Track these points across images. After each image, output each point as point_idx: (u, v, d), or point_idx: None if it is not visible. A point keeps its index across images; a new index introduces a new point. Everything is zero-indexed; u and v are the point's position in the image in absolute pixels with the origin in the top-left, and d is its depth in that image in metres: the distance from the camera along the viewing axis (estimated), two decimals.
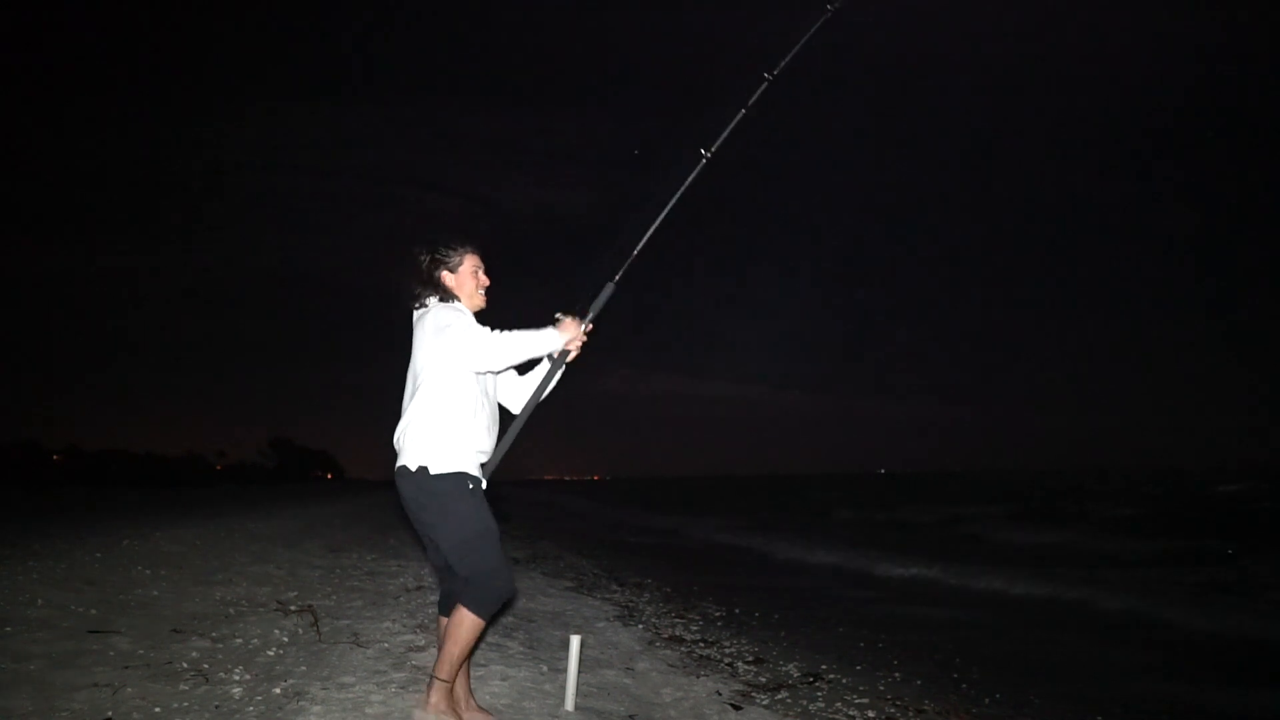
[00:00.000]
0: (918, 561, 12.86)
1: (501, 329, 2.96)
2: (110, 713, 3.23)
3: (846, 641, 6.66)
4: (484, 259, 3.10)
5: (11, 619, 4.49)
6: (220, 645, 4.34)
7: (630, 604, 7.51)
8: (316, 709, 3.26)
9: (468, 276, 3.04)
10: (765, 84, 3.37)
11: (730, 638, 6.25)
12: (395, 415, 3.04)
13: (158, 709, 3.30)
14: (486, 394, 3.03)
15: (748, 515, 28.55)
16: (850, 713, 4.44)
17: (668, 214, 3.22)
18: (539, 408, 3.16)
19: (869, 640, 6.70)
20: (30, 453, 34.89)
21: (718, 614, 7.51)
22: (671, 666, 4.88)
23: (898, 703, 4.72)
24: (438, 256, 3.01)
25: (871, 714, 4.45)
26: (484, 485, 2.98)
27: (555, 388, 3.19)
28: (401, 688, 3.58)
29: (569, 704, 3.57)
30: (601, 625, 6.01)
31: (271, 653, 4.24)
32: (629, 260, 3.19)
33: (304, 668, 3.91)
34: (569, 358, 3.14)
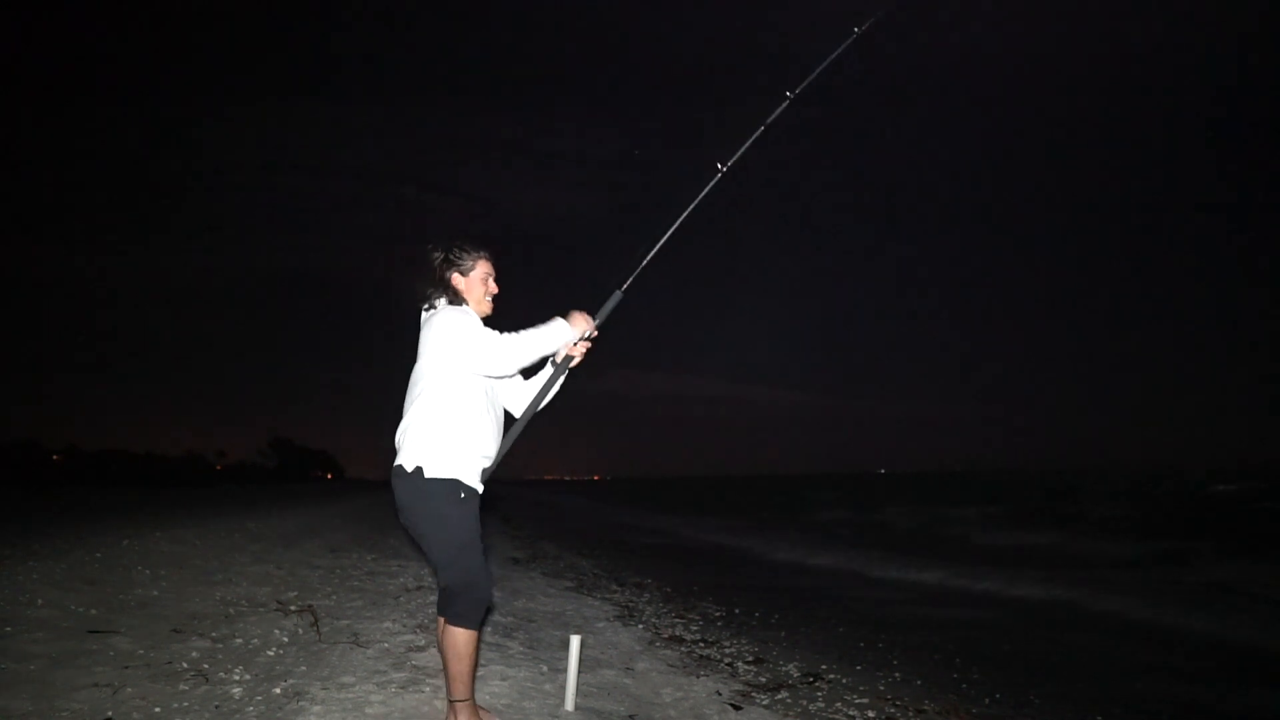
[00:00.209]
0: (917, 563, 12.87)
1: (505, 332, 2.95)
2: (110, 713, 3.24)
3: (846, 641, 6.66)
4: (496, 267, 3.11)
5: (11, 619, 4.49)
6: (220, 645, 4.34)
7: (630, 604, 7.50)
8: (316, 709, 3.26)
9: (478, 282, 3.04)
10: (786, 102, 3.38)
11: (730, 638, 6.25)
12: (396, 415, 3.03)
13: (158, 709, 3.30)
14: (490, 398, 3.02)
15: (748, 515, 28.56)
16: (850, 713, 4.44)
17: (680, 226, 3.22)
18: (539, 412, 3.16)
19: (869, 640, 6.70)
20: (30, 453, 34.90)
21: (718, 614, 7.51)
22: (671, 666, 4.88)
23: (898, 703, 4.72)
24: (451, 257, 3.01)
25: (871, 714, 4.45)
26: (480, 491, 2.97)
27: (557, 393, 3.19)
28: (401, 688, 3.58)
29: (569, 704, 3.58)
30: (601, 625, 6.00)
31: (271, 653, 4.24)
32: (638, 269, 3.19)
33: (304, 668, 3.91)
34: (572, 364, 3.14)
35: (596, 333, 3.13)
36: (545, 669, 4.23)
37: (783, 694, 4.64)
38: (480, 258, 3.04)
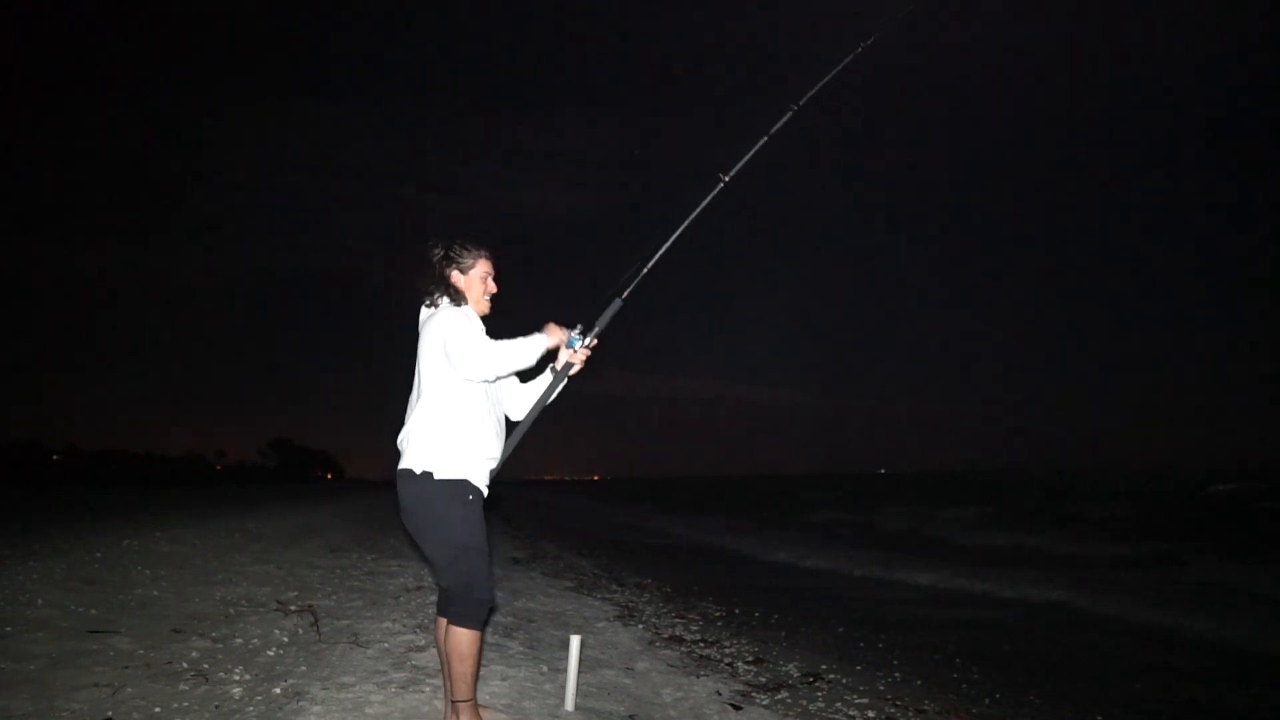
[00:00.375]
0: (916, 563, 12.87)
1: (497, 336, 2.97)
2: (110, 713, 3.24)
3: (846, 641, 6.66)
4: (496, 267, 3.11)
5: (11, 619, 4.50)
6: (220, 645, 4.34)
7: (630, 604, 7.50)
8: (316, 709, 3.26)
9: (477, 280, 3.04)
10: (790, 114, 3.38)
11: (730, 638, 6.25)
12: (396, 415, 3.04)
13: (158, 709, 3.30)
14: (491, 400, 3.03)
15: (748, 516, 28.55)
16: (850, 713, 4.44)
17: (680, 235, 3.23)
18: (540, 415, 3.18)
19: (869, 640, 6.70)
20: (30, 453, 34.92)
21: (718, 614, 7.51)
22: (671, 666, 4.88)
23: (898, 703, 4.72)
24: (451, 254, 3.01)
25: (871, 714, 4.45)
26: (485, 493, 2.98)
27: (556, 397, 3.22)
28: (401, 688, 3.59)
29: (569, 704, 3.58)
30: (601, 625, 6.00)
31: (271, 653, 4.24)
32: (638, 278, 3.20)
33: (304, 668, 3.91)
34: (573, 371, 3.16)
35: (596, 341, 3.15)
36: (545, 669, 4.23)
37: (783, 694, 4.64)
38: (481, 256, 3.05)
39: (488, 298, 3.08)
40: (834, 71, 3.43)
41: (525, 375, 3.13)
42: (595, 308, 3.18)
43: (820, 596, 9.69)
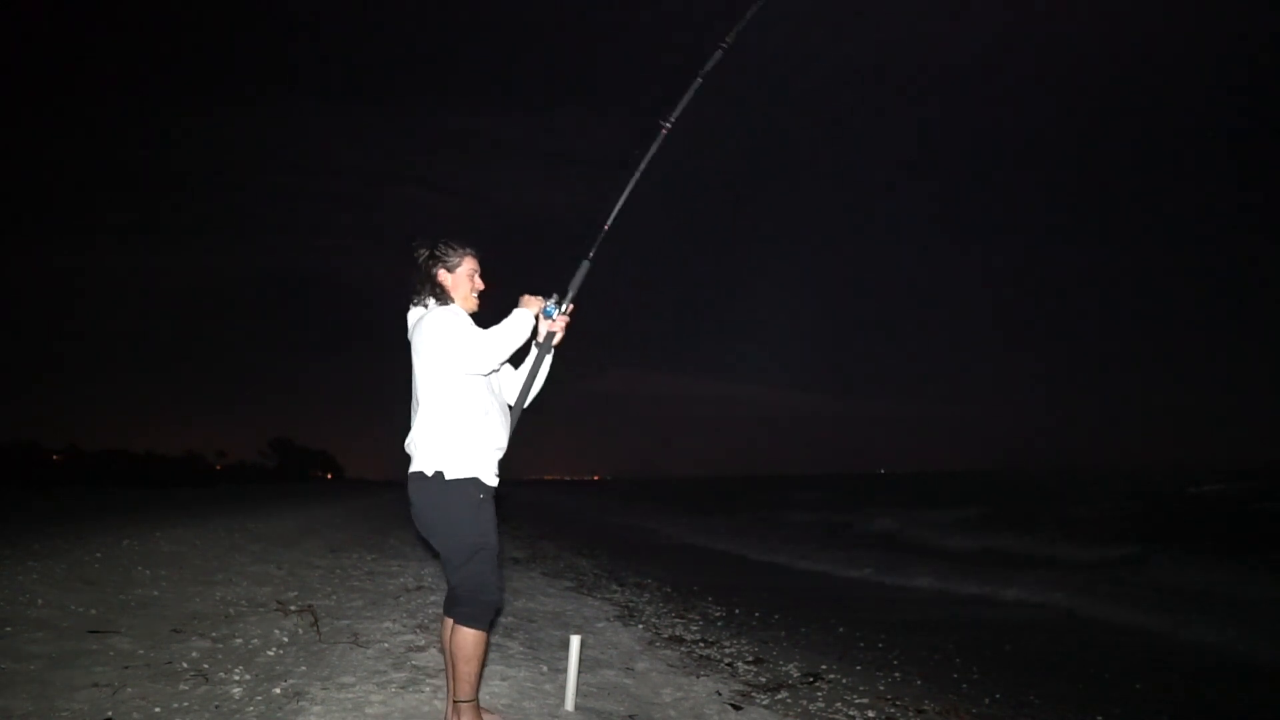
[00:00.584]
0: (916, 564, 12.86)
1: (483, 328, 2.99)
2: (110, 713, 3.24)
3: (846, 641, 6.66)
4: (482, 264, 3.12)
5: (11, 619, 4.49)
6: (220, 645, 4.34)
7: (630, 604, 7.50)
8: (316, 709, 3.26)
9: (464, 278, 3.06)
10: (720, 53, 3.38)
11: (730, 638, 6.25)
12: (395, 414, 3.05)
13: (158, 709, 3.30)
14: (493, 390, 3.06)
15: (747, 515, 28.55)
16: (850, 713, 4.44)
17: (634, 188, 3.25)
18: (539, 404, 3.20)
19: (869, 640, 6.70)
20: (30, 453, 34.90)
21: (718, 614, 7.51)
22: (671, 666, 4.87)
23: (898, 703, 4.72)
24: (436, 254, 3.03)
25: (871, 714, 4.45)
26: (496, 485, 2.99)
27: (552, 385, 3.25)
28: (401, 688, 3.58)
29: (569, 704, 3.58)
30: (601, 625, 6.00)
31: (271, 653, 4.24)
32: (600, 236, 3.23)
33: (304, 668, 3.91)
34: (555, 340, 3.18)
35: (573, 306, 3.18)
36: (545, 669, 4.23)
37: (783, 694, 4.64)
38: (466, 254, 3.06)
39: (476, 295, 3.10)
40: (757, 6, 3.42)
41: (516, 359, 3.15)
42: (566, 277, 3.20)
43: (820, 596, 9.70)
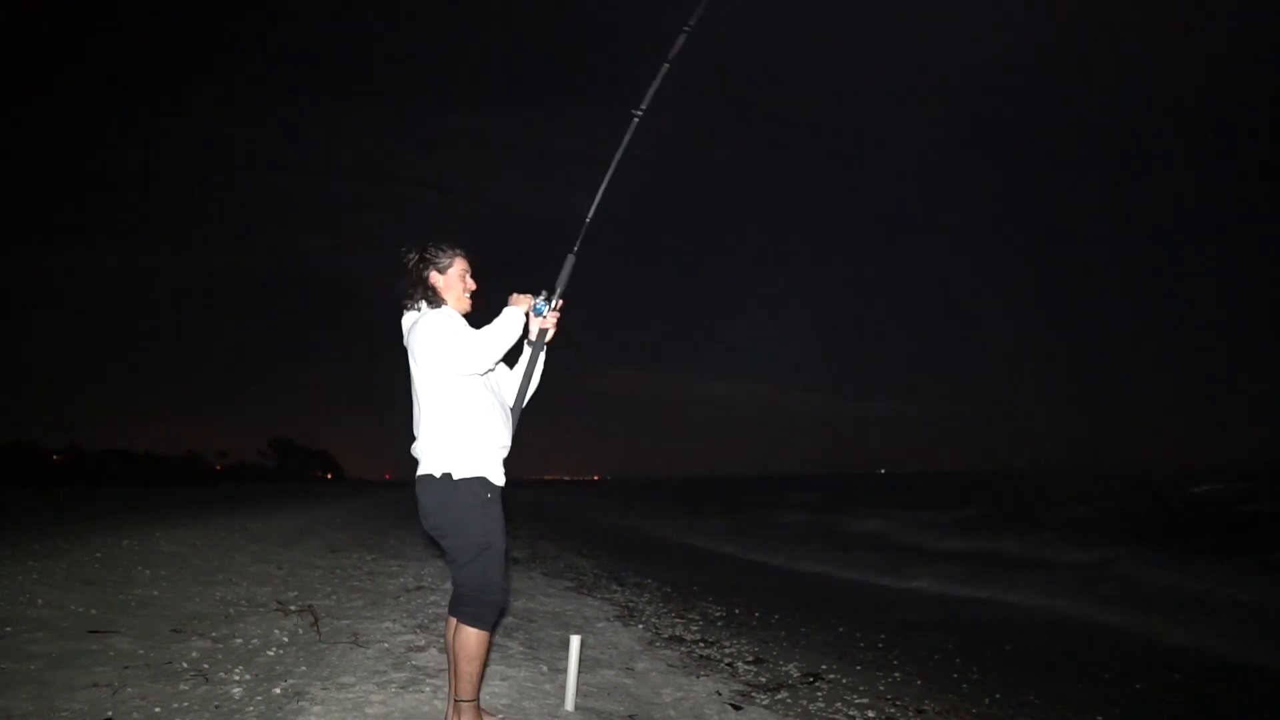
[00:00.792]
0: (916, 564, 12.85)
1: (475, 327, 3.01)
2: (110, 713, 3.24)
3: (846, 641, 6.66)
4: (472, 264, 3.13)
5: (11, 619, 4.49)
6: (220, 645, 4.34)
7: (630, 604, 7.50)
8: (316, 709, 3.26)
9: (456, 279, 3.07)
10: (684, 36, 3.37)
11: (730, 638, 6.25)
12: (395, 415, 3.06)
13: (158, 709, 3.30)
14: (492, 389, 3.07)
15: (747, 516, 28.54)
16: (850, 713, 4.44)
17: (612, 177, 3.26)
18: (537, 404, 3.21)
19: (869, 640, 6.70)
20: (30, 453, 34.89)
21: (718, 614, 7.51)
22: (671, 666, 4.87)
23: (898, 703, 4.72)
24: (427, 257, 3.04)
25: (871, 714, 4.45)
26: (503, 484, 3.01)
27: (553, 385, 3.26)
28: (401, 688, 3.59)
29: (569, 704, 3.58)
30: (601, 625, 6.00)
31: (271, 653, 4.24)
32: (584, 229, 3.24)
33: (304, 668, 3.91)
34: (548, 337, 3.19)
35: (562, 301, 3.18)
36: (545, 669, 4.23)
37: (783, 694, 4.64)
38: (457, 255, 3.07)
39: (468, 295, 3.10)
40: None
41: (510, 358, 3.16)
42: (552, 274, 3.21)
43: (820, 597, 9.70)
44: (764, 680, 4.92)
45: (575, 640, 3.66)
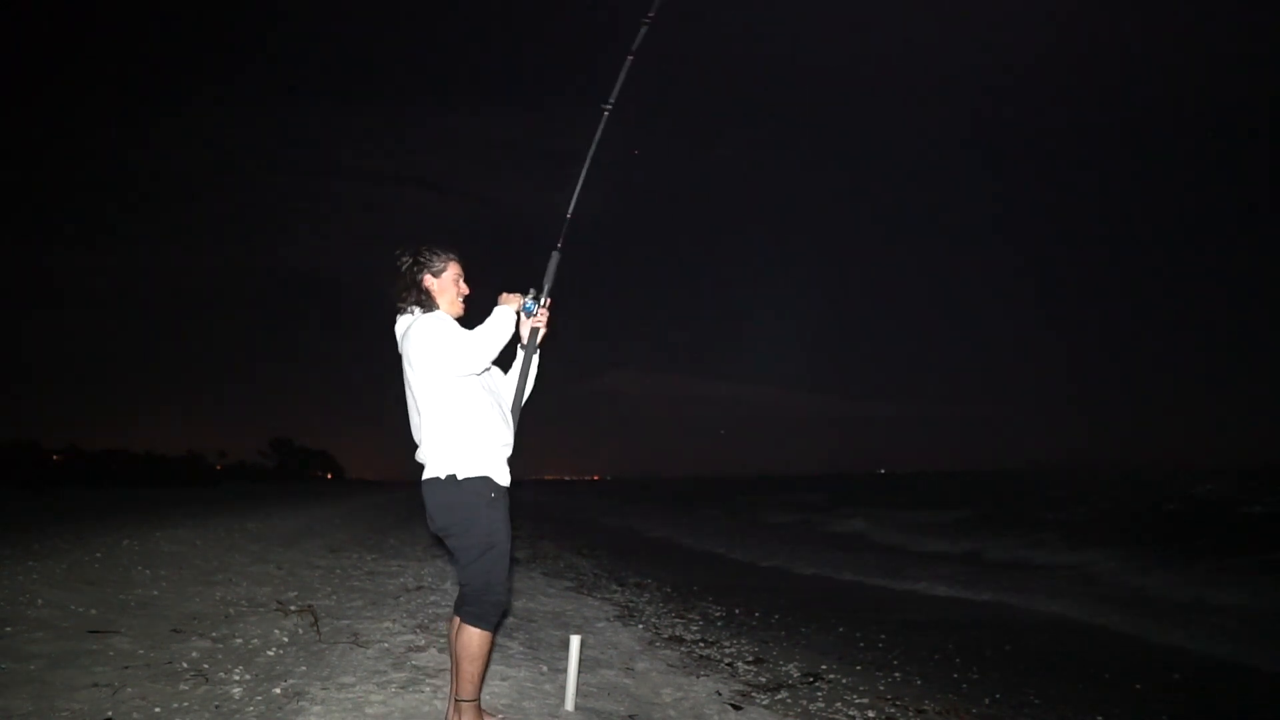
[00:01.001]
0: (916, 564, 12.86)
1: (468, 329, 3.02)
2: (110, 713, 3.24)
3: (846, 641, 6.66)
4: (465, 268, 3.14)
5: (11, 619, 4.50)
6: (220, 645, 4.34)
7: (630, 604, 7.51)
8: (316, 709, 3.26)
9: (450, 283, 3.08)
10: (646, 28, 3.39)
11: (730, 638, 6.25)
12: (395, 415, 3.06)
13: (158, 709, 3.30)
14: (490, 390, 3.08)
15: (747, 516, 28.55)
16: (850, 713, 4.44)
17: (588, 173, 3.28)
18: (537, 403, 3.22)
19: (869, 640, 6.70)
20: (30, 453, 34.87)
21: (718, 614, 7.50)
22: (671, 666, 4.88)
23: (898, 703, 4.72)
24: (421, 260, 3.05)
25: (871, 714, 4.45)
26: (508, 484, 3.02)
27: (549, 378, 3.29)
28: (401, 688, 3.59)
29: (569, 704, 3.58)
30: (601, 625, 6.00)
31: (271, 653, 4.24)
32: (566, 224, 3.25)
33: (304, 668, 3.91)
34: (539, 337, 3.20)
35: (550, 299, 3.19)
36: (545, 669, 4.23)
37: (783, 694, 4.64)
38: (450, 259, 3.08)
39: (461, 299, 3.11)
40: None
41: (505, 361, 3.17)
42: (537, 273, 3.22)
43: (820, 597, 9.69)
44: (764, 680, 4.92)
45: (575, 640, 3.66)
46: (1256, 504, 23.50)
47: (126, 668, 3.81)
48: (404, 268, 3.04)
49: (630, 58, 3.36)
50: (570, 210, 3.26)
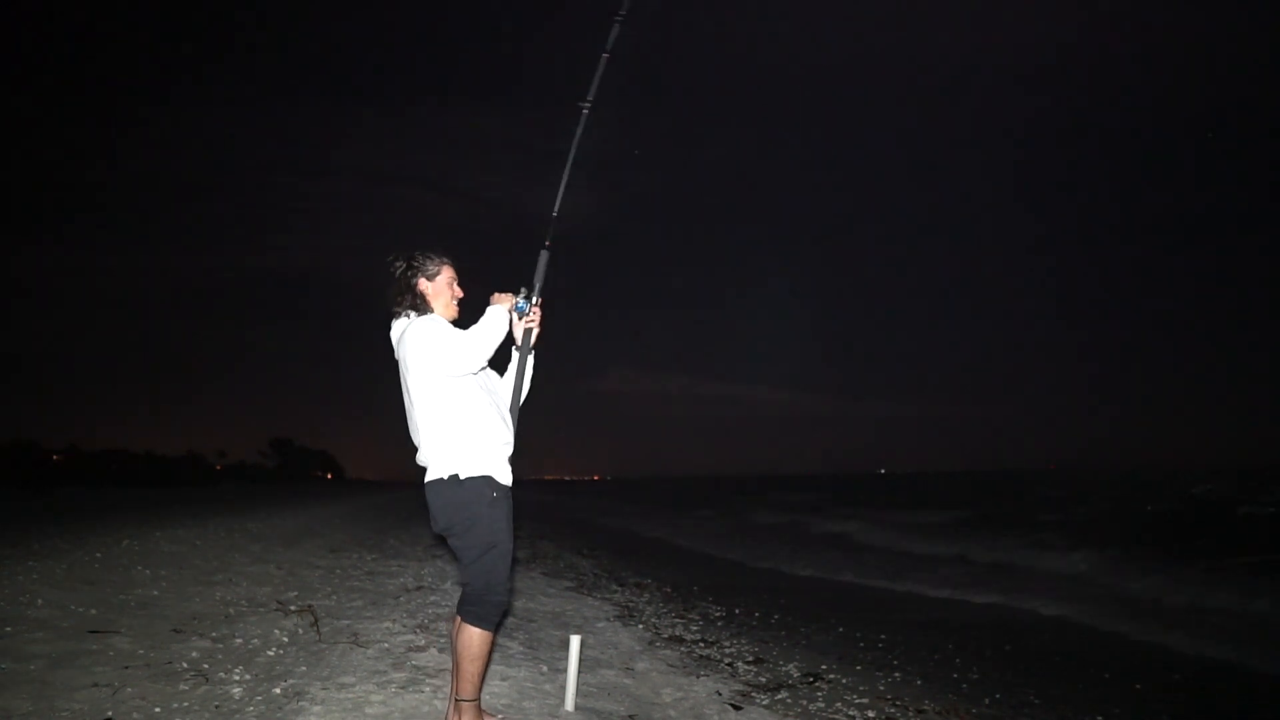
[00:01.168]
0: (915, 565, 12.85)
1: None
2: (110, 713, 3.24)
3: (846, 641, 6.66)
4: (458, 272, 3.15)
5: (11, 619, 4.50)
6: (220, 645, 4.34)
7: (630, 604, 7.50)
8: (316, 709, 3.26)
9: (444, 286, 3.09)
10: (617, 26, 3.38)
11: (730, 638, 6.25)
12: (395, 415, 3.06)
13: (158, 709, 3.30)
14: (488, 390, 3.08)
15: (747, 516, 28.54)
16: (850, 713, 4.44)
17: (570, 171, 3.27)
18: (537, 403, 3.23)
19: (869, 640, 6.70)
20: (30, 453, 34.86)
21: (718, 614, 7.51)
22: (671, 666, 4.88)
23: (898, 703, 4.72)
24: (415, 264, 3.06)
25: (871, 714, 4.45)
26: (510, 484, 3.02)
27: (550, 378, 3.28)
28: (401, 688, 3.59)
29: (569, 704, 3.58)
30: (601, 625, 6.00)
31: (271, 653, 4.24)
32: (553, 223, 3.25)
33: (304, 668, 3.91)
34: (533, 338, 3.21)
35: (541, 299, 3.19)
36: (545, 669, 4.23)
37: (783, 694, 4.64)
38: (444, 263, 3.10)
39: (455, 302, 3.12)
40: None
41: (500, 362, 3.17)
42: (527, 273, 3.22)
43: (820, 597, 9.69)
44: (764, 680, 4.92)
45: (575, 640, 3.66)
46: (1255, 504, 23.50)
47: (126, 668, 3.81)
48: (398, 272, 3.05)
49: (605, 55, 3.36)
50: (556, 209, 3.26)
